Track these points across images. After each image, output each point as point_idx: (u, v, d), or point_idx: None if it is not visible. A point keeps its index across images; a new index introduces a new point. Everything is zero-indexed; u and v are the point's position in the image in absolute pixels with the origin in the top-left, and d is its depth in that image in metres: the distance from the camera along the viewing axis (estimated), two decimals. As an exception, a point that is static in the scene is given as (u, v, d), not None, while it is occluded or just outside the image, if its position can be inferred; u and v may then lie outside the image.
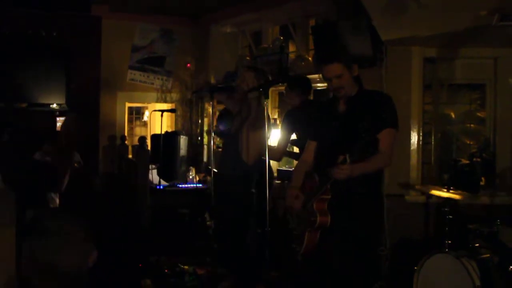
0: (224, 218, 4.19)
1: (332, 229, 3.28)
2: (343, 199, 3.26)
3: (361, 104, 3.33)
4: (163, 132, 6.73)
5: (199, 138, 8.44)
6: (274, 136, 5.71)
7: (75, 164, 5.54)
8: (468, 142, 5.84)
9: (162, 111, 6.48)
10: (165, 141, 6.77)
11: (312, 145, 3.59)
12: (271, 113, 7.24)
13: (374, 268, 3.98)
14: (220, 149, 7.76)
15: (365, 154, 3.00)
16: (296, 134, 4.80)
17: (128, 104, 8.93)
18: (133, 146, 8.79)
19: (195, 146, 8.41)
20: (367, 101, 3.33)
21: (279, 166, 6.62)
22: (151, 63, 8.66)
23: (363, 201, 3.34)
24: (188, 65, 8.63)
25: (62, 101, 7.94)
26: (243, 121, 4.12)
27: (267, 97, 3.53)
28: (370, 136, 3.14)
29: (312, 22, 7.03)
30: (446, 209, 4.31)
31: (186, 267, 5.10)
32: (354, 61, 3.36)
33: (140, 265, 5.17)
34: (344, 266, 3.33)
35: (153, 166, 7.15)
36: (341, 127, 3.37)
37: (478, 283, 3.79)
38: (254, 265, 4.07)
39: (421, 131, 5.49)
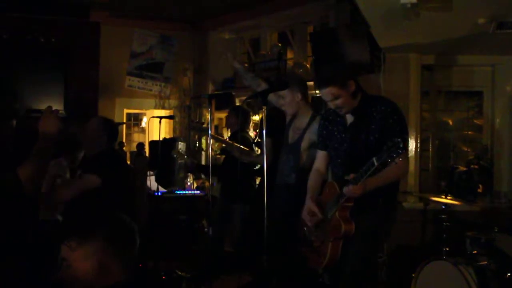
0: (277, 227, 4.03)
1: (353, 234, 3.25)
2: (366, 203, 3.22)
3: (367, 114, 3.31)
4: (161, 139, 6.73)
5: (197, 144, 8.44)
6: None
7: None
8: (465, 149, 5.85)
9: (161, 117, 6.48)
10: (163, 147, 6.77)
11: (323, 155, 3.59)
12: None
13: (375, 274, 3.97)
14: (219, 156, 7.77)
15: (395, 154, 2.78)
16: None
17: (126, 110, 8.92)
18: (131, 153, 8.78)
19: (194, 153, 8.41)
20: (374, 111, 3.30)
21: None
22: (150, 69, 8.67)
23: (386, 203, 3.33)
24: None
25: (61, 107, 7.93)
26: (302, 132, 4.12)
27: (265, 104, 3.53)
28: (381, 144, 3.11)
29: (310, 29, 7.05)
30: (443, 216, 4.32)
31: (183, 273, 5.10)
32: (349, 77, 3.32)
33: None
34: (359, 270, 3.30)
35: (151, 172, 7.14)
36: (351, 139, 3.35)
37: (475, 290, 3.79)
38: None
39: (418, 138, 5.50)
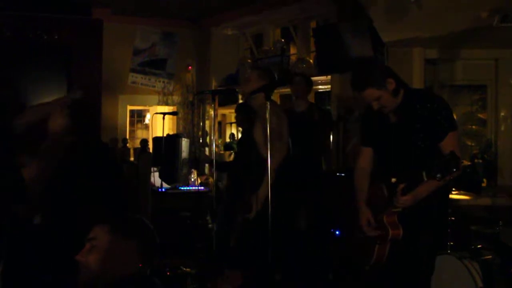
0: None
1: (405, 242, 3.14)
2: (419, 211, 3.07)
3: (411, 112, 3.13)
4: (164, 135, 6.73)
5: (201, 140, 8.45)
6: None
7: None
8: (469, 143, 5.84)
9: (164, 113, 6.48)
10: (167, 143, 6.77)
11: (367, 151, 3.42)
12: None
13: None
14: (223, 152, 7.77)
15: (446, 173, 2.63)
16: None
17: (129, 107, 8.93)
18: (134, 149, 8.80)
19: (197, 149, 8.42)
20: (418, 108, 3.11)
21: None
22: (153, 66, 8.67)
23: (439, 211, 3.23)
24: (189, 67, 8.64)
25: (64, 104, 7.94)
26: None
27: (268, 99, 3.54)
28: (429, 144, 3.02)
29: (313, 24, 7.04)
30: (448, 211, 4.31)
31: (188, 269, 5.10)
32: (387, 75, 3.12)
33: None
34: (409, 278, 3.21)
35: (155, 168, 7.15)
36: (396, 138, 3.19)
37: (480, 284, 3.78)
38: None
39: (422, 133, 5.48)
